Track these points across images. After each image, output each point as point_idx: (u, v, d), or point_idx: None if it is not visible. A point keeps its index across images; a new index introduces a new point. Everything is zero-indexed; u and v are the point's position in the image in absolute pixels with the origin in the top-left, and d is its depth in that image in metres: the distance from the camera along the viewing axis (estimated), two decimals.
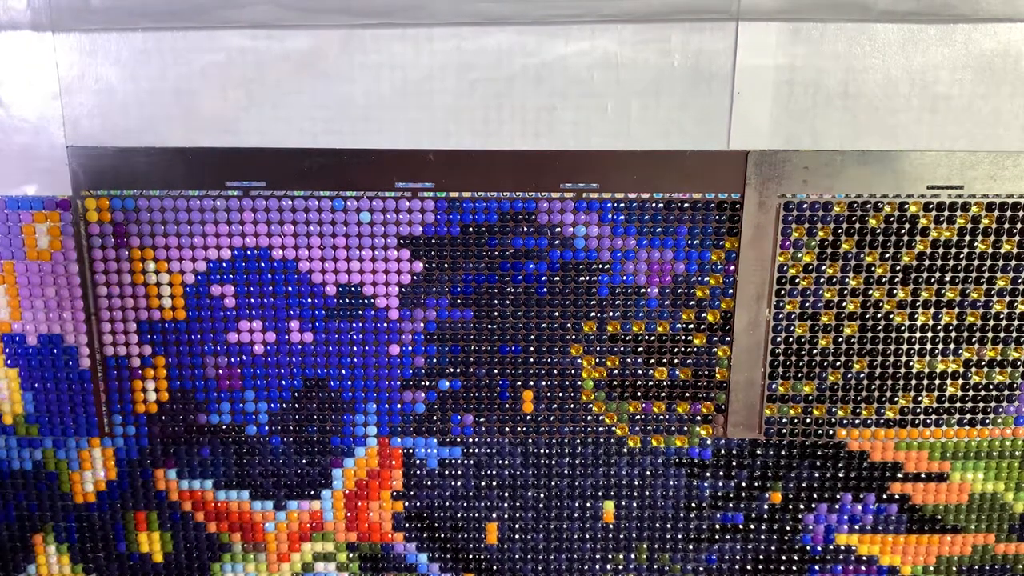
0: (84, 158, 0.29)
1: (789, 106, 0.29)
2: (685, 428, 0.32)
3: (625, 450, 0.33)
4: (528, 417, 0.33)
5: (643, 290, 0.31)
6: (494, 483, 0.33)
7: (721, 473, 0.33)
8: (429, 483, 0.33)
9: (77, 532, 0.34)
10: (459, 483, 0.33)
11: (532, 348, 0.32)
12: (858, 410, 0.32)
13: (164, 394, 0.32)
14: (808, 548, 0.34)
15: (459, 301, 0.31)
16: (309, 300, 0.31)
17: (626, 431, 0.33)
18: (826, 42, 0.29)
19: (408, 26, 0.28)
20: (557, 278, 0.31)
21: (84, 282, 0.31)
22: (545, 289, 0.31)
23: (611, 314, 0.31)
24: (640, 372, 0.32)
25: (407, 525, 0.34)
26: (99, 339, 0.32)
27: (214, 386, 0.32)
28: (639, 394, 0.32)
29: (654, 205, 0.30)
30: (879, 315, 0.31)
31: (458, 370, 0.32)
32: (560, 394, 0.32)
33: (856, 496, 0.33)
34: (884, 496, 0.33)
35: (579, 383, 0.32)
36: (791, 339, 0.31)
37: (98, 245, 0.31)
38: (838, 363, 0.32)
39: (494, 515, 0.34)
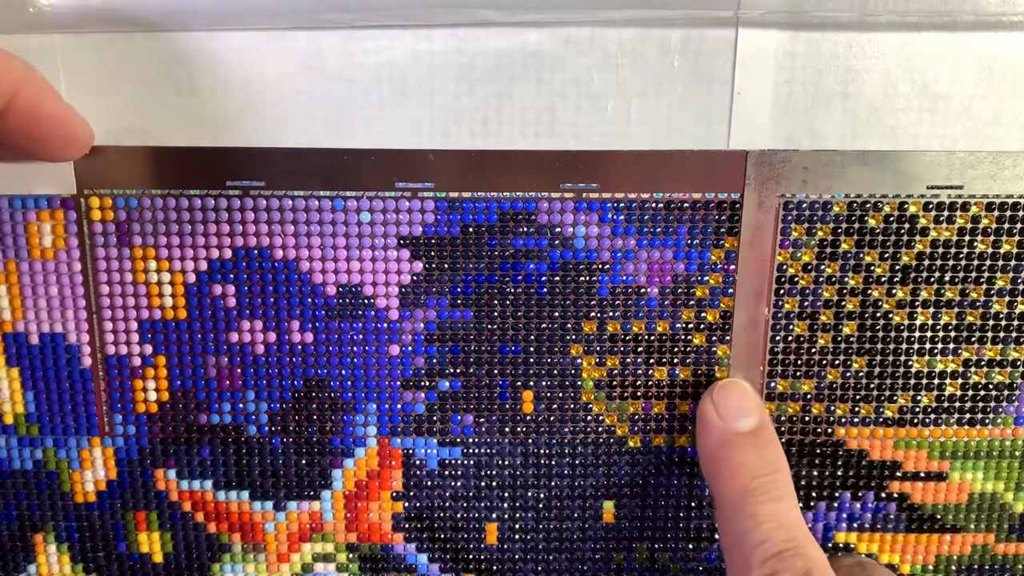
0: (87, 156, 0.29)
1: (789, 106, 0.29)
2: (686, 428, 0.32)
3: (625, 450, 0.33)
4: (528, 417, 0.33)
5: (643, 290, 0.31)
6: (494, 483, 0.33)
7: None
8: (429, 483, 0.33)
9: (77, 532, 0.34)
10: (459, 483, 0.33)
11: (532, 348, 0.32)
12: (857, 409, 0.32)
13: (164, 394, 0.32)
14: None
15: (459, 301, 0.31)
16: (310, 300, 0.31)
17: (626, 431, 0.33)
18: (826, 42, 0.29)
19: (408, 26, 0.29)
20: (557, 278, 0.31)
21: (86, 281, 0.31)
22: (545, 289, 0.31)
23: (611, 314, 0.31)
24: (640, 372, 0.32)
25: (407, 526, 0.34)
26: (100, 338, 0.32)
27: (214, 386, 0.32)
28: (639, 394, 0.32)
29: (654, 205, 0.30)
30: (878, 314, 0.31)
31: (458, 370, 0.32)
32: (560, 394, 0.32)
33: (855, 495, 0.33)
34: (883, 495, 0.33)
35: (579, 383, 0.32)
36: (790, 338, 0.31)
37: (101, 244, 0.31)
38: (837, 362, 0.32)
39: (494, 515, 0.34)
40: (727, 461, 0.29)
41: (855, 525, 0.33)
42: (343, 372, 0.32)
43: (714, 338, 0.32)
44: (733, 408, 0.30)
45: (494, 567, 0.34)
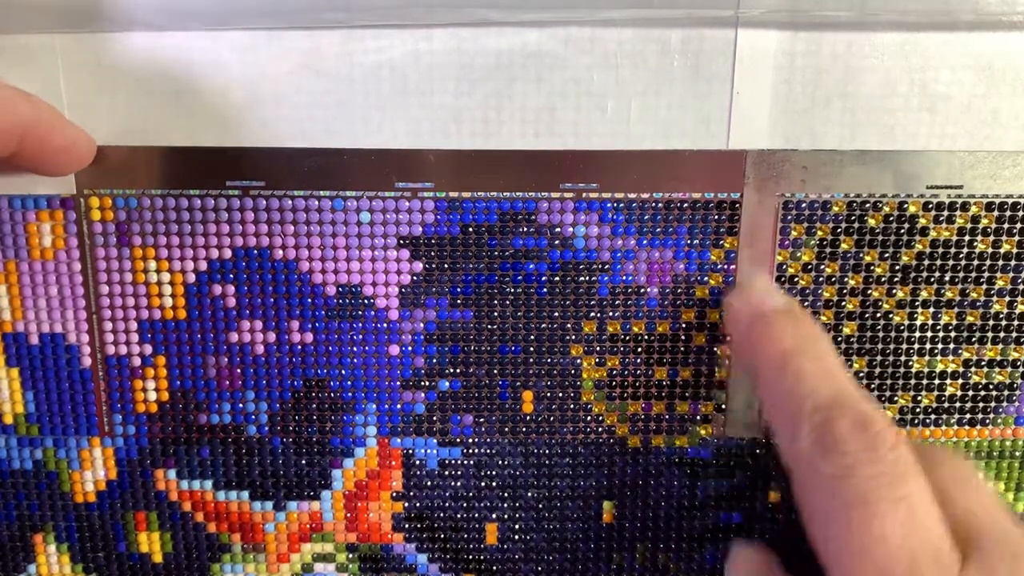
0: None
1: (788, 106, 0.29)
2: (686, 428, 0.32)
3: (625, 450, 0.33)
4: (528, 417, 0.33)
5: (643, 290, 0.31)
6: (494, 483, 0.33)
7: (721, 473, 0.33)
8: (429, 484, 0.33)
9: (77, 532, 0.34)
10: (459, 484, 0.33)
11: (532, 348, 0.32)
12: None
13: (164, 394, 0.32)
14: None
15: (459, 301, 0.31)
16: (309, 300, 0.31)
17: (627, 431, 0.33)
18: (825, 42, 0.29)
19: (408, 26, 0.29)
20: (557, 278, 0.31)
21: (86, 281, 0.31)
22: (545, 289, 0.31)
23: (611, 314, 0.31)
24: (641, 372, 0.32)
25: (407, 526, 0.34)
26: (100, 338, 0.32)
27: (214, 386, 0.32)
28: (640, 394, 0.32)
29: (654, 205, 0.30)
30: (878, 314, 0.31)
31: (458, 370, 0.32)
32: (560, 394, 0.32)
33: None
34: None
35: (579, 383, 0.32)
36: None
37: (100, 244, 0.31)
38: None
39: (494, 515, 0.34)
40: (763, 332, 0.27)
41: None
42: (343, 372, 0.32)
43: (715, 338, 0.32)
44: (758, 293, 0.28)
45: (494, 567, 0.34)
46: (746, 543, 0.30)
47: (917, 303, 0.31)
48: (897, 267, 0.31)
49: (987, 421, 0.32)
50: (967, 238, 0.30)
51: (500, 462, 0.33)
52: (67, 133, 0.28)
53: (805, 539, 0.26)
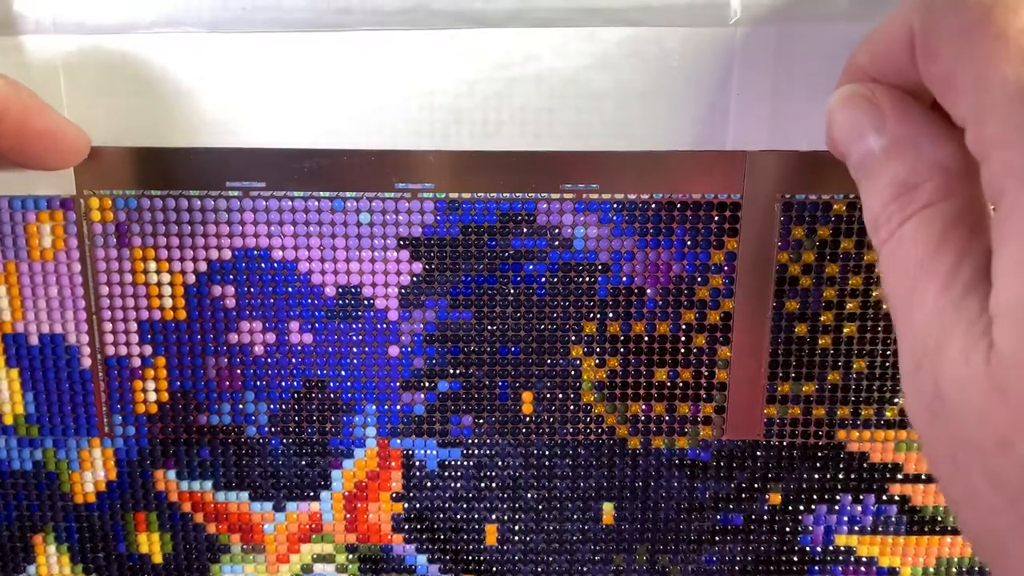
0: (86, 157, 0.29)
1: (788, 106, 0.29)
2: (686, 429, 0.32)
3: (625, 451, 0.33)
4: (528, 418, 0.32)
5: (643, 291, 0.31)
6: (494, 484, 0.33)
7: (721, 475, 0.33)
8: (428, 484, 0.33)
9: (77, 532, 0.34)
10: (459, 484, 0.33)
11: (532, 349, 0.32)
12: (858, 411, 0.32)
13: (164, 394, 0.32)
14: (808, 549, 0.33)
15: (459, 302, 0.31)
16: (309, 301, 0.31)
17: (627, 432, 0.32)
18: (825, 43, 0.29)
19: (408, 26, 0.29)
20: (557, 279, 0.31)
21: (86, 282, 0.31)
22: (545, 290, 0.31)
23: (611, 315, 0.31)
24: (640, 373, 0.32)
25: (407, 526, 0.34)
26: (100, 339, 0.32)
27: (214, 387, 0.32)
28: (640, 395, 0.32)
29: (654, 205, 0.30)
30: (879, 315, 0.31)
31: (458, 371, 0.32)
32: (560, 395, 0.32)
33: (856, 497, 0.33)
34: (884, 497, 0.33)
35: (579, 384, 0.32)
36: (791, 339, 0.31)
37: (100, 244, 0.31)
38: (838, 363, 0.32)
39: (494, 516, 0.33)
40: None
41: (856, 528, 0.33)
42: (342, 373, 0.32)
43: (715, 340, 0.31)
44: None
45: (494, 568, 0.34)
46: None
47: None
48: None
49: None
50: None
51: (500, 463, 0.33)
52: (50, 120, 0.27)
53: None
